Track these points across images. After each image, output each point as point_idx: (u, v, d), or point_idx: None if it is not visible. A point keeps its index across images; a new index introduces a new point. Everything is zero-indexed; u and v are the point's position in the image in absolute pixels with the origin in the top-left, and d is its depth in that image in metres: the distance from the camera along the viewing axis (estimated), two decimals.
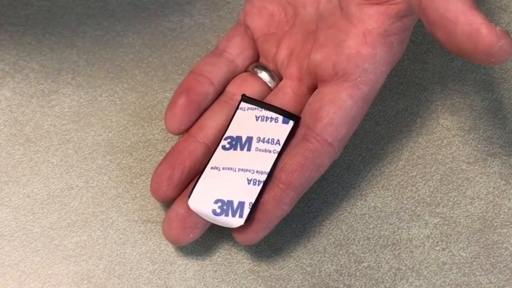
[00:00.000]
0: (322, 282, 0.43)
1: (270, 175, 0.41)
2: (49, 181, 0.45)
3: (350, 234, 0.44)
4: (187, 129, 0.43)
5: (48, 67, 0.47)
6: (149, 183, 0.44)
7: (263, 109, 0.42)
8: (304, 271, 0.43)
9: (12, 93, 0.47)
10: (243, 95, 0.43)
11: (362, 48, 0.40)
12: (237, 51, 0.44)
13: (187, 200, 0.41)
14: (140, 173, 0.45)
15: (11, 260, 0.43)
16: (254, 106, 0.42)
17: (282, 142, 0.41)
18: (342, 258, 0.43)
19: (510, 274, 0.43)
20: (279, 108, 0.42)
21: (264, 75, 0.44)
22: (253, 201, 0.40)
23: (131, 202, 0.44)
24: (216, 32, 0.48)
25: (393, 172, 0.45)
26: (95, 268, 0.43)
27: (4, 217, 0.44)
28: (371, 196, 0.45)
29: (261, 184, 0.40)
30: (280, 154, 0.41)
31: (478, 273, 0.43)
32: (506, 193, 0.45)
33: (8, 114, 0.46)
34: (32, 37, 0.48)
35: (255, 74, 0.44)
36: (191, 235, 0.41)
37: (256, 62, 0.44)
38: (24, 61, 0.47)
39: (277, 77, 0.44)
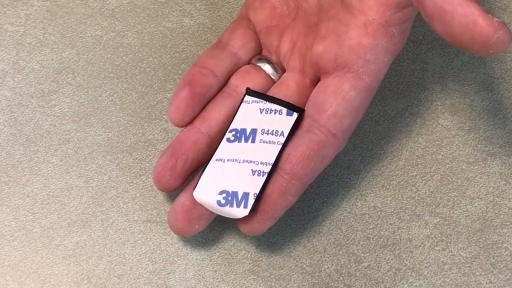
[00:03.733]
0: (322, 282, 0.43)
1: (275, 166, 0.41)
2: (49, 181, 0.45)
3: (350, 234, 0.44)
4: (191, 122, 0.43)
5: (48, 67, 0.47)
6: (149, 182, 0.44)
7: (267, 102, 0.42)
8: (304, 271, 0.43)
9: (12, 93, 0.47)
10: (247, 89, 0.43)
11: (363, 39, 0.40)
12: (240, 44, 0.44)
13: (193, 192, 0.41)
14: (140, 173, 0.45)
15: (11, 260, 0.43)
16: (258, 99, 0.42)
17: (286, 134, 0.41)
18: (342, 258, 0.43)
19: (510, 274, 0.43)
20: (283, 101, 0.42)
21: (267, 68, 0.44)
22: (257, 191, 0.40)
23: (131, 202, 0.44)
24: (216, 32, 0.48)
25: (393, 172, 0.45)
26: (95, 268, 0.43)
27: (4, 217, 0.44)
28: (371, 196, 0.45)
29: (266, 175, 0.41)
30: (284, 145, 0.41)
31: (478, 273, 0.43)
32: (506, 193, 0.45)
33: (8, 114, 0.46)
34: (32, 37, 0.48)
35: (258, 67, 0.44)
36: (197, 226, 0.41)
37: (259, 55, 0.44)
38: (24, 61, 0.47)
39: (280, 69, 0.44)
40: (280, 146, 0.41)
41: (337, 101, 0.40)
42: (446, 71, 0.47)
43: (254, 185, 0.41)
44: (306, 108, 0.42)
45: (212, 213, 0.41)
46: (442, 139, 0.46)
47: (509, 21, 0.48)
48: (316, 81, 0.42)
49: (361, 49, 0.40)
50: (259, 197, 0.40)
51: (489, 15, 0.34)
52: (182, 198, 0.42)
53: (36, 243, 0.44)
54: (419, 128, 0.46)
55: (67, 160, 0.45)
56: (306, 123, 0.41)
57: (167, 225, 0.44)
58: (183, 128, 0.43)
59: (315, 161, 0.41)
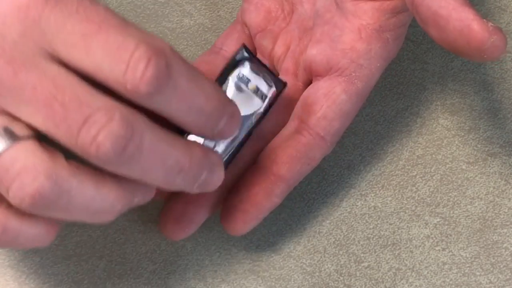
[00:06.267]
0: (322, 282, 0.43)
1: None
2: None
3: (350, 234, 0.44)
4: None
5: None
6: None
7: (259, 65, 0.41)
8: (304, 271, 0.43)
9: None
10: (243, 46, 0.42)
11: (357, 43, 0.40)
12: (233, 48, 0.44)
13: (181, 196, 0.41)
14: None
15: (11, 260, 0.43)
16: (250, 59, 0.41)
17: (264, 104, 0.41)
18: (342, 258, 0.43)
19: (510, 274, 0.43)
20: (271, 72, 0.41)
21: None
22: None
23: None
24: (216, 32, 0.48)
25: (393, 172, 0.45)
26: (95, 268, 0.43)
27: None
28: (371, 196, 0.45)
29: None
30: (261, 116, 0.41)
31: (478, 273, 0.43)
32: (506, 193, 0.45)
33: None
34: None
35: None
36: (187, 229, 0.41)
37: None
38: None
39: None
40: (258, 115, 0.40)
41: (328, 104, 0.40)
42: (446, 71, 0.47)
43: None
44: (295, 108, 0.42)
45: (202, 216, 0.41)
46: (442, 139, 0.46)
47: (509, 21, 0.48)
48: (308, 84, 0.42)
49: (354, 53, 0.40)
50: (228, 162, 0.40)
51: (484, 20, 0.34)
52: (172, 203, 0.42)
53: None
54: (419, 128, 0.46)
55: None
56: (294, 124, 0.41)
57: None
58: None
59: (301, 164, 0.41)
